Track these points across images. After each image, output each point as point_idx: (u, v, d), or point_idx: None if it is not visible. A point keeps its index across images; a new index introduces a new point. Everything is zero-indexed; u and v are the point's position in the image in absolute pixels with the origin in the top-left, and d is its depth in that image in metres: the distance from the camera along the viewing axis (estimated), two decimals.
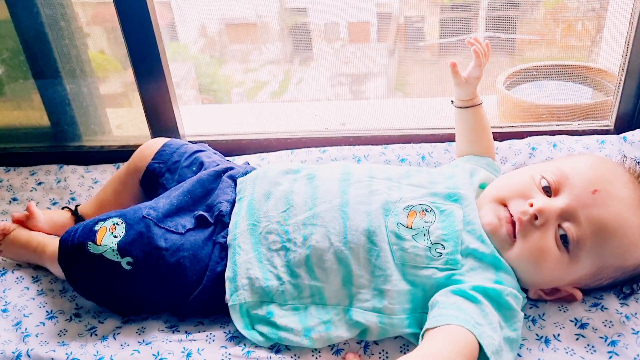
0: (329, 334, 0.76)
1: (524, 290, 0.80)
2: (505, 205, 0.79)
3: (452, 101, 1.00)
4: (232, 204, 0.88)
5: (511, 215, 0.78)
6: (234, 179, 0.92)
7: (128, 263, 0.79)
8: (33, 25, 1.20)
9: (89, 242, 0.80)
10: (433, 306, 0.72)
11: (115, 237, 0.80)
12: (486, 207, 0.81)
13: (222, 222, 0.85)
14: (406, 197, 0.81)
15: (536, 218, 0.75)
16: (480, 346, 0.66)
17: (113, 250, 0.79)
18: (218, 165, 0.96)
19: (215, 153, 1.03)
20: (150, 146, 1.01)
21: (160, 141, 1.02)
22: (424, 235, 0.77)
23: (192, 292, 0.81)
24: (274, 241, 0.81)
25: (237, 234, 0.83)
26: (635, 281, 0.82)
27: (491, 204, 0.81)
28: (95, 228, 0.81)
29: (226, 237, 0.84)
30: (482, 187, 0.90)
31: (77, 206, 1.04)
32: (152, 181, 0.98)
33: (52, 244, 0.92)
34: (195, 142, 1.05)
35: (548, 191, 0.78)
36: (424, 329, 0.70)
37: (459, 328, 0.66)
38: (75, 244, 0.81)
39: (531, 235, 0.76)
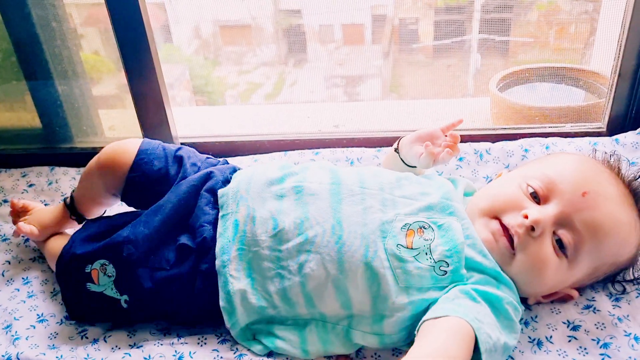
0: (326, 350, 0.76)
1: (523, 299, 0.80)
2: (496, 218, 0.79)
3: (396, 149, 0.94)
4: (214, 223, 0.82)
5: (504, 229, 0.77)
6: (214, 192, 0.86)
7: (125, 301, 0.81)
8: (24, 27, 1.19)
9: (88, 283, 0.81)
10: (434, 303, 0.72)
11: (109, 277, 0.81)
12: (478, 222, 0.80)
13: (205, 247, 0.81)
14: (401, 214, 0.78)
15: (533, 229, 0.74)
16: (475, 343, 0.65)
17: (112, 288, 0.81)
18: (198, 169, 0.90)
19: (191, 156, 0.94)
20: (121, 156, 0.89)
21: (132, 148, 0.89)
22: (426, 254, 0.75)
23: (180, 313, 0.82)
24: (267, 268, 0.77)
25: (225, 261, 0.78)
26: (625, 278, 0.83)
27: (482, 219, 0.80)
28: (87, 270, 0.81)
29: (209, 263, 0.80)
30: (467, 194, 0.90)
31: (71, 197, 0.96)
32: (136, 193, 0.90)
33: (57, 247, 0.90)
34: (188, 144, 1.04)
35: (536, 197, 0.78)
36: (422, 320, 0.69)
37: (458, 320, 0.66)
38: (75, 283, 0.83)
39: (530, 247, 0.75)
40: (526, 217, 0.75)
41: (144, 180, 0.88)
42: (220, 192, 0.85)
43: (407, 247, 0.75)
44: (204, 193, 0.85)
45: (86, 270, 0.81)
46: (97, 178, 0.91)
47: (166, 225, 0.83)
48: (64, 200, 0.98)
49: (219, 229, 0.81)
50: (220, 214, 0.83)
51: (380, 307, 0.73)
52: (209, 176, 0.88)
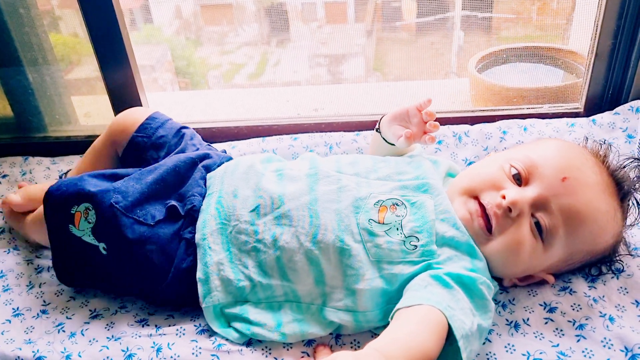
0: (303, 331, 0.76)
1: (498, 279, 0.81)
2: (476, 198, 0.79)
3: (377, 129, 0.94)
4: (204, 197, 0.86)
5: (482, 208, 0.78)
6: (208, 170, 0.91)
7: (104, 248, 0.81)
8: None
9: (70, 225, 0.82)
10: (407, 290, 0.72)
11: (89, 223, 0.81)
12: (457, 200, 0.80)
13: (192, 216, 0.84)
14: (376, 192, 0.80)
15: (510, 210, 0.75)
16: (449, 330, 0.65)
17: (90, 235, 0.81)
18: (197, 149, 0.95)
19: (194, 137, 1.01)
20: (132, 117, 0.98)
21: (144, 112, 0.99)
22: (397, 229, 0.76)
23: (159, 285, 0.81)
24: (244, 241, 0.80)
25: (206, 234, 0.81)
26: (603, 262, 0.83)
27: (462, 197, 0.80)
28: (72, 212, 0.82)
29: (193, 233, 0.82)
30: (450, 175, 0.90)
31: (66, 173, 1.03)
32: (135, 154, 0.96)
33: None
34: None
35: (518, 179, 0.78)
36: (395, 309, 0.69)
37: (430, 308, 0.66)
38: (60, 223, 0.83)
39: (507, 228, 0.76)
40: (504, 197, 0.75)
41: (145, 142, 0.96)
42: (209, 175, 0.90)
43: (379, 222, 0.77)
44: (201, 167, 0.90)
45: (71, 212, 0.82)
46: (105, 141, 0.99)
47: (157, 185, 0.86)
48: (60, 176, 1.03)
49: (203, 206, 0.84)
50: (207, 193, 0.87)
51: (351, 281, 0.75)
52: (207, 156, 0.94)
